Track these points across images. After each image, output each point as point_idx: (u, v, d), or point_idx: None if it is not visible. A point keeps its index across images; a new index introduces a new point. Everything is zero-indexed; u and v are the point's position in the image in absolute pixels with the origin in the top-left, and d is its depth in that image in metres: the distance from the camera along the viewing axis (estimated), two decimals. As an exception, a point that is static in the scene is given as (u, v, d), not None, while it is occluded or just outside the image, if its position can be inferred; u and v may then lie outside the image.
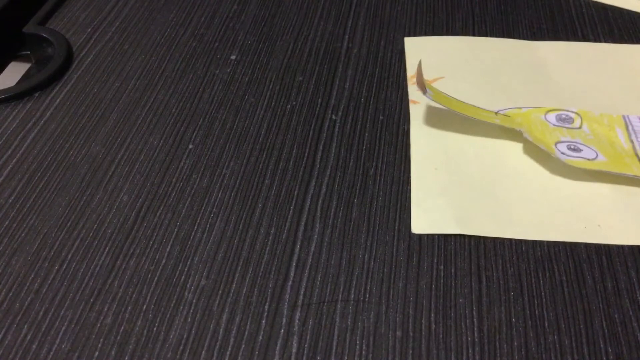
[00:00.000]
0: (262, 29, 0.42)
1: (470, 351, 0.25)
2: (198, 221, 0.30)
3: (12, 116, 0.36)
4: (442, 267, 0.27)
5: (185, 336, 0.25)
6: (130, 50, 0.40)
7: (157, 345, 0.25)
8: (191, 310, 0.26)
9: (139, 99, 0.37)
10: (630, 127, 0.34)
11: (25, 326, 0.26)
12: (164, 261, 0.28)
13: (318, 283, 0.27)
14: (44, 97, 0.37)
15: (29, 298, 0.27)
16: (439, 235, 0.29)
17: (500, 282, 0.27)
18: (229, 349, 0.25)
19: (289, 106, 0.36)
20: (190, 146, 0.34)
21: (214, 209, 0.30)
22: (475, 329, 0.25)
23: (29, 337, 0.25)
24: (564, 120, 0.34)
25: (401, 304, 0.26)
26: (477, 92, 0.37)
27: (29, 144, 0.34)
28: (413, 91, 0.37)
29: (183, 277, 0.27)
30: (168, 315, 0.26)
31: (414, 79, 0.38)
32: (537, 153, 0.33)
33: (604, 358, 0.24)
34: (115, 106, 0.36)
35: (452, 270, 0.27)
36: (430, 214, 0.30)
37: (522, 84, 0.37)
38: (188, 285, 0.27)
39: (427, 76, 0.38)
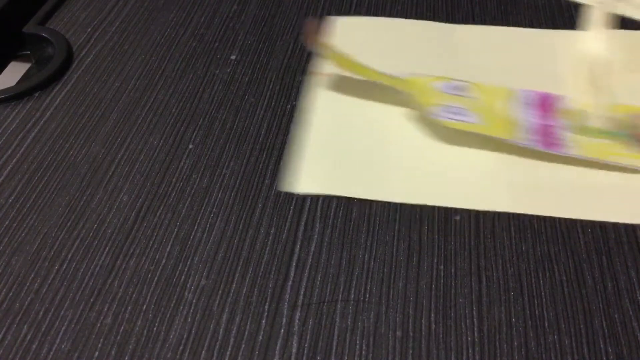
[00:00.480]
0: (262, 29, 0.42)
1: (470, 351, 0.25)
2: (198, 221, 0.30)
3: (12, 116, 0.36)
4: (442, 267, 0.27)
5: (185, 336, 0.25)
6: (130, 50, 0.40)
7: (157, 345, 0.25)
8: (191, 310, 0.26)
9: (139, 99, 0.37)
10: (519, 99, 0.35)
11: (25, 326, 0.26)
12: (164, 261, 0.28)
13: (318, 283, 0.27)
14: (44, 97, 0.37)
15: (29, 298, 0.27)
16: (438, 235, 0.29)
17: (500, 282, 0.27)
18: (229, 349, 0.25)
19: (289, 106, 0.36)
20: (190, 146, 0.34)
21: (214, 209, 0.30)
22: (475, 329, 0.25)
23: (29, 337, 0.25)
24: (456, 88, 0.35)
25: (401, 304, 0.26)
26: (384, 69, 0.37)
27: (29, 144, 0.34)
28: (321, 65, 0.38)
29: (183, 277, 0.27)
30: (168, 315, 0.26)
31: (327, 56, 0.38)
32: (425, 121, 0.34)
33: (604, 358, 0.24)
34: (115, 106, 0.36)
35: (452, 270, 0.27)
36: (311, 177, 0.31)
37: (432, 62, 0.38)
38: (188, 285, 0.27)
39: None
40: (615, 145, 0.32)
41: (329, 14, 0.42)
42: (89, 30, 0.42)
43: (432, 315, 0.26)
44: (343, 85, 0.37)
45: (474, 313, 0.26)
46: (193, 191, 0.31)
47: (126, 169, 0.32)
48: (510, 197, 0.30)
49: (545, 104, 0.34)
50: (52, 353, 0.25)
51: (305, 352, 0.25)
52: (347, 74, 0.35)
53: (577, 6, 0.43)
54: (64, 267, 0.28)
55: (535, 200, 0.30)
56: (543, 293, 0.26)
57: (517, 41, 0.40)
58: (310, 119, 0.35)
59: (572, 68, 0.37)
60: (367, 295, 0.26)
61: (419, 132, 0.34)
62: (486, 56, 0.39)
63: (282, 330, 0.25)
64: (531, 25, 0.41)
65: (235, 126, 0.35)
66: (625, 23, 0.41)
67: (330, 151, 0.33)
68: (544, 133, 0.33)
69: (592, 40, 0.39)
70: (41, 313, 0.26)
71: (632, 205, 0.30)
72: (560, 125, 0.33)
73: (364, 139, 0.33)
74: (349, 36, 0.40)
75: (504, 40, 0.40)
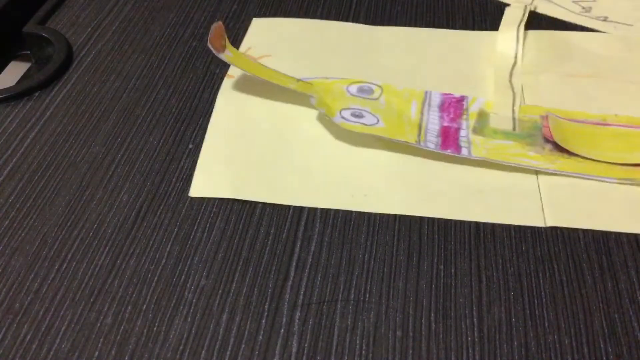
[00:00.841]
0: (262, 29, 0.42)
1: (470, 351, 0.25)
2: (198, 221, 0.30)
3: (12, 116, 0.36)
4: (442, 267, 0.27)
5: (185, 336, 0.25)
6: (130, 50, 0.40)
7: (157, 345, 0.25)
8: (191, 310, 0.26)
9: (139, 98, 0.37)
10: (427, 101, 0.35)
11: (25, 326, 0.26)
12: (164, 261, 0.28)
13: (318, 283, 0.27)
14: (44, 97, 0.37)
15: (29, 298, 0.27)
16: (438, 235, 0.29)
17: (500, 282, 0.27)
18: (229, 348, 0.25)
19: (289, 106, 0.36)
20: (190, 146, 0.34)
21: (214, 209, 0.30)
22: (475, 328, 0.25)
23: (29, 337, 0.25)
24: (365, 91, 0.35)
25: (401, 304, 0.26)
26: (298, 70, 0.37)
27: (29, 144, 0.34)
28: (234, 67, 0.38)
29: (183, 277, 0.27)
30: (168, 315, 0.26)
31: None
32: (329, 124, 0.34)
33: (604, 358, 0.24)
34: (115, 106, 0.36)
35: (452, 270, 0.27)
36: (210, 179, 0.31)
37: (349, 64, 0.38)
38: (188, 285, 0.27)
39: (254, 54, 0.39)
40: (518, 147, 0.32)
41: (329, 14, 0.43)
42: (89, 30, 0.42)
43: (432, 315, 0.26)
44: (250, 88, 0.36)
45: (474, 313, 0.26)
46: (193, 191, 0.31)
47: (126, 169, 0.32)
48: (407, 200, 0.30)
49: (453, 105, 0.34)
50: (52, 353, 0.25)
51: (305, 352, 0.25)
52: (253, 77, 0.34)
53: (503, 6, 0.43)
54: (64, 267, 0.28)
55: (434, 202, 0.30)
56: (543, 293, 0.26)
57: (435, 43, 0.40)
58: (212, 122, 0.34)
59: (483, 69, 0.37)
60: (367, 295, 0.26)
61: (322, 134, 0.33)
62: (402, 58, 0.38)
63: (282, 330, 0.25)
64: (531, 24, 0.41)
65: (235, 126, 0.35)
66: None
67: (227, 154, 0.32)
68: (446, 135, 0.32)
69: (504, 41, 0.39)
70: (41, 313, 0.26)
71: (523, 207, 0.30)
72: (464, 127, 0.33)
73: (265, 141, 0.33)
74: (266, 37, 0.40)
75: (422, 41, 0.40)
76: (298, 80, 0.35)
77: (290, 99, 0.35)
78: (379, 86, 0.35)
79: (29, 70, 0.40)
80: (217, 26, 0.34)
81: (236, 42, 0.40)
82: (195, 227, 0.29)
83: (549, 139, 0.32)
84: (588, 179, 0.31)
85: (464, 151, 0.31)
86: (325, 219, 0.30)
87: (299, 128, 0.34)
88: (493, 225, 0.29)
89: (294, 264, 0.28)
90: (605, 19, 0.40)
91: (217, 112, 0.35)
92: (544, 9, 0.42)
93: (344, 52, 0.39)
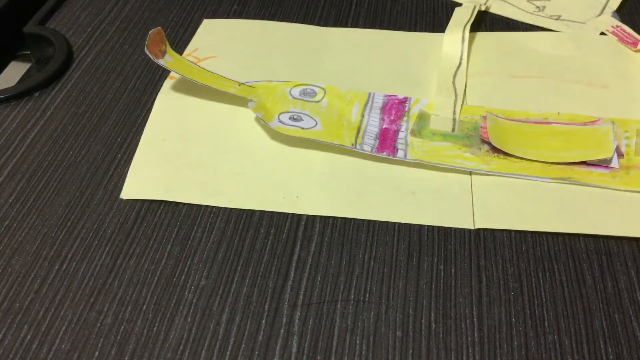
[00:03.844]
0: (262, 29, 0.42)
1: (470, 351, 0.25)
2: (198, 221, 0.30)
3: (12, 116, 0.36)
4: (442, 267, 0.27)
5: (185, 336, 0.25)
6: (130, 50, 0.40)
7: (157, 345, 0.25)
8: (191, 310, 0.26)
9: (139, 99, 0.37)
10: (369, 103, 0.34)
11: (25, 326, 0.26)
12: (164, 261, 0.28)
13: (318, 283, 0.27)
14: (44, 97, 0.37)
15: (29, 298, 0.27)
16: (438, 235, 0.29)
17: (500, 282, 0.27)
18: (229, 348, 0.25)
19: (289, 106, 0.36)
20: (190, 146, 0.34)
21: (214, 209, 0.30)
22: (475, 329, 0.25)
23: (29, 337, 0.25)
24: (307, 94, 0.35)
25: (401, 304, 0.26)
26: (242, 71, 0.37)
27: (29, 144, 0.34)
28: (170, 71, 0.37)
29: (183, 277, 0.27)
30: (168, 315, 0.26)
31: (189, 57, 0.38)
32: (267, 128, 0.33)
33: (604, 358, 0.24)
34: (115, 106, 0.36)
35: (452, 270, 0.27)
36: (143, 181, 0.31)
37: (295, 65, 0.38)
38: (188, 285, 0.27)
39: (200, 55, 0.39)
40: (454, 148, 0.32)
41: (329, 14, 0.43)
42: (89, 30, 0.42)
43: (432, 315, 0.26)
44: (190, 89, 0.36)
45: (474, 313, 0.26)
46: (193, 191, 0.31)
47: (126, 169, 0.32)
48: (339, 201, 0.30)
49: (395, 107, 0.34)
50: (52, 353, 0.25)
51: (305, 352, 0.25)
52: (194, 82, 0.34)
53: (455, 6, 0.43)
54: (64, 267, 0.28)
55: (365, 204, 0.30)
56: (543, 293, 0.26)
57: (384, 44, 0.39)
58: (149, 123, 0.34)
59: (430, 70, 0.37)
60: (367, 295, 0.26)
61: (259, 136, 0.33)
62: (350, 59, 0.38)
63: (282, 330, 0.25)
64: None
65: (235, 126, 0.35)
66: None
67: (162, 155, 0.32)
68: (384, 137, 0.32)
69: (449, 42, 0.38)
70: (41, 313, 0.26)
71: (454, 209, 0.29)
72: (403, 129, 0.33)
73: (201, 142, 0.33)
74: (213, 38, 0.40)
75: (371, 43, 0.39)
76: (240, 84, 0.35)
77: (230, 100, 0.35)
78: (322, 88, 0.35)
79: (29, 70, 0.40)
80: (156, 32, 0.34)
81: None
82: (195, 227, 0.29)
83: (486, 140, 0.32)
84: (522, 179, 0.30)
85: (400, 153, 0.31)
86: (326, 219, 0.30)
87: (236, 129, 0.34)
88: (493, 225, 0.29)
89: (294, 264, 0.28)
90: (558, 18, 0.40)
91: (154, 113, 0.35)
92: (498, 8, 0.42)
93: (292, 53, 0.39)
